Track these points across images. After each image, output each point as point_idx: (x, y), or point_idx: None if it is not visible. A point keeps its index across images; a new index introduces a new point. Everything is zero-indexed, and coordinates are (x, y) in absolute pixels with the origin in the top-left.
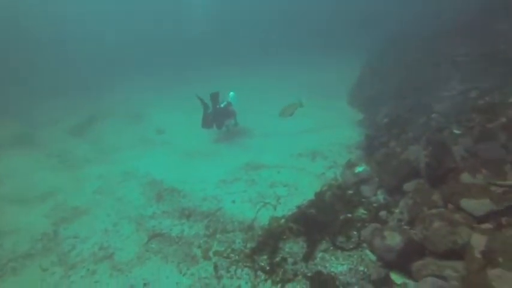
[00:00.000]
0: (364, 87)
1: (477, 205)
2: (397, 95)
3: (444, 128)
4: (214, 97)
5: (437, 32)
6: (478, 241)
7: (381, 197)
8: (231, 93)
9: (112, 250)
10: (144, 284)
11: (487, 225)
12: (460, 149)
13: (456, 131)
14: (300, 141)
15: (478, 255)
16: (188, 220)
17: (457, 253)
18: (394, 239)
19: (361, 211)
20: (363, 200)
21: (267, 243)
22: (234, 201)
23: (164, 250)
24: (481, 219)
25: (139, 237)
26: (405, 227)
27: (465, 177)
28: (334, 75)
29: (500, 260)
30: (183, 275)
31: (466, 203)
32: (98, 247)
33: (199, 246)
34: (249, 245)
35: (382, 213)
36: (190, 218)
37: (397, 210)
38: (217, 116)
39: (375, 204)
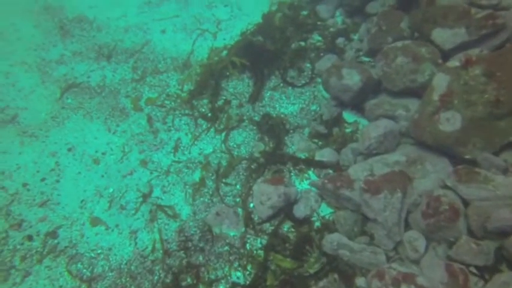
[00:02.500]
0: None
1: (449, 36)
2: None
3: None
4: None
5: None
6: (440, 82)
7: (339, 19)
8: None
9: (13, 111)
10: (69, 149)
11: (454, 63)
12: None
13: None
14: None
15: (436, 98)
16: (109, 62)
17: (414, 91)
18: (352, 78)
19: (316, 38)
20: (319, 23)
21: (206, 84)
22: (164, 31)
23: (85, 105)
24: (450, 53)
25: (48, 91)
26: (363, 58)
27: None
28: None
29: (456, 102)
30: (113, 133)
31: (437, 34)
32: None
33: (127, 96)
34: (186, 88)
35: (340, 41)
36: (111, 59)
37: (355, 37)
38: None
39: (332, 29)
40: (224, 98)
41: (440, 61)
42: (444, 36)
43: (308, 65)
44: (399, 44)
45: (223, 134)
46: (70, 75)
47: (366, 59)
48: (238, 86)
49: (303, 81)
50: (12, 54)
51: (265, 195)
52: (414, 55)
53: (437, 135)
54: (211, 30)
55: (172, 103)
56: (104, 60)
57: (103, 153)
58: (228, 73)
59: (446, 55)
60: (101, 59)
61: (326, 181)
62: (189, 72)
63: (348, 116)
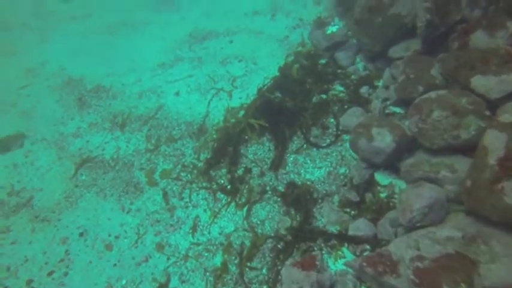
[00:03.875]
0: None
1: (494, 84)
2: None
3: None
4: None
5: None
6: (495, 141)
7: (360, 65)
8: None
9: (29, 193)
10: (80, 234)
11: (509, 118)
12: None
13: None
14: None
15: (493, 162)
16: (123, 131)
17: (456, 148)
18: (384, 139)
19: (338, 88)
20: (339, 71)
21: (224, 151)
22: (178, 93)
23: (99, 181)
24: (498, 103)
25: (63, 167)
26: (392, 108)
27: (478, 37)
28: None
29: None
30: (127, 213)
31: (478, 81)
32: (7, 192)
33: (141, 168)
34: (202, 156)
35: (364, 90)
36: (125, 128)
37: (379, 83)
38: None
39: (353, 77)
40: (244, 166)
41: (487, 113)
42: (488, 84)
43: (332, 120)
44: (433, 94)
45: (245, 209)
46: (85, 149)
47: (395, 109)
48: (258, 151)
49: (328, 141)
50: (34, 131)
51: (295, 284)
52: (454, 107)
53: (505, 211)
54: (226, 89)
55: (189, 175)
56: (118, 130)
57: (116, 237)
58: (246, 137)
59: (492, 105)
60: (115, 129)
61: (364, 264)
62: (205, 139)
63: (381, 178)
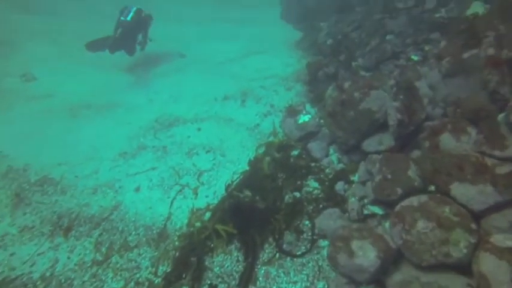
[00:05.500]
0: None
1: (474, 194)
2: (339, 6)
3: (400, 52)
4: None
5: None
6: (494, 269)
7: (334, 157)
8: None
9: None
10: None
11: (505, 243)
12: (424, 85)
13: (414, 57)
14: (224, 76)
15: None
16: (67, 237)
17: (449, 266)
18: (366, 255)
19: (312, 184)
20: (313, 164)
21: (186, 263)
22: (138, 189)
23: None
24: (481, 214)
25: None
26: (370, 208)
27: (446, 140)
28: None
29: None
30: None
31: (458, 190)
32: None
33: None
34: (161, 270)
35: (339, 186)
36: (71, 232)
37: (355, 177)
38: (125, 34)
39: (327, 171)
40: (209, 282)
41: (473, 226)
42: (468, 194)
43: (307, 223)
44: (415, 201)
45: None
46: (4, 266)
47: (374, 209)
48: (225, 263)
49: (304, 248)
50: None
51: None
52: (438, 218)
53: None
54: (191, 185)
55: None
56: (60, 236)
57: None
58: (212, 244)
59: (475, 215)
60: (57, 234)
61: None
62: (165, 247)
63: None
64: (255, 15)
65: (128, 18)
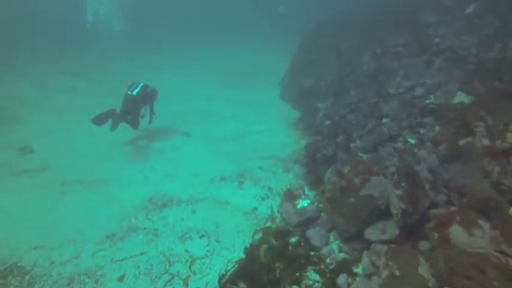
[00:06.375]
0: (298, 77)
1: None
2: (336, 88)
3: (397, 135)
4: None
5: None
6: None
7: (335, 245)
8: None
9: None
10: None
11: None
12: (424, 170)
13: (411, 140)
14: (221, 156)
15: None
16: None
17: None
18: None
19: (312, 276)
20: (312, 253)
21: None
22: (122, 278)
23: None
24: None
25: None
26: None
27: (457, 233)
28: (260, 60)
29: None
30: None
31: None
32: None
33: None
34: None
35: (342, 280)
36: None
37: (359, 269)
38: (130, 108)
39: (328, 260)
40: None
41: None
42: None
43: None
44: None
45: None
46: None
47: None
48: None
49: None
50: None
51: None
52: None
53: None
54: (182, 275)
55: None
56: None
57: None
58: None
59: None
60: None
61: None
62: None
63: None
64: (255, 95)
65: (134, 93)
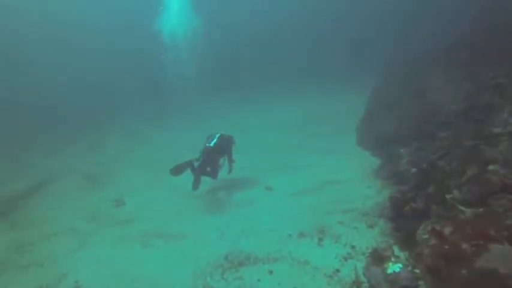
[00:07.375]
0: (374, 121)
1: None
2: (421, 132)
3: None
4: (208, 139)
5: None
6: None
7: None
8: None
9: None
10: None
11: None
12: None
13: None
14: (299, 209)
15: None
16: None
17: None
18: None
19: None
20: None
21: None
22: None
23: None
24: None
25: None
26: None
27: None
28: (334, 105)
29: None
30: None
31: None
32: None
33: None
34: None
35: None
36: None
37: None
38: (210, 159)
39: None
40: None
41: None
42: None
43: None
44: None
45: None
46: None
47: None
48: None
49: None
50: None
51: None
52: None
53: None
54: None
55: None
56: None
57: None
58: None
59: None
60: None
61: None
62: None
63: None
64: (330, 144)
65: (211, 145)
